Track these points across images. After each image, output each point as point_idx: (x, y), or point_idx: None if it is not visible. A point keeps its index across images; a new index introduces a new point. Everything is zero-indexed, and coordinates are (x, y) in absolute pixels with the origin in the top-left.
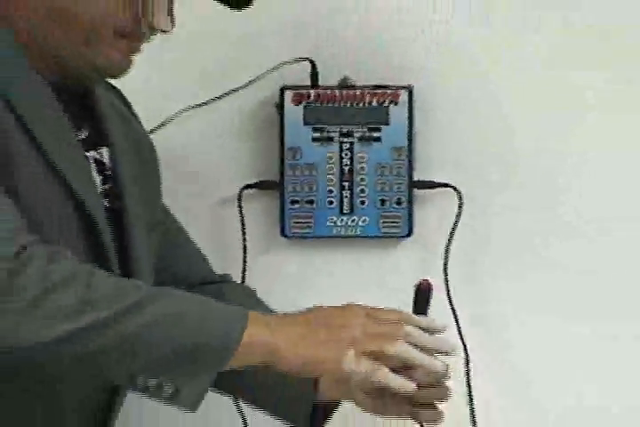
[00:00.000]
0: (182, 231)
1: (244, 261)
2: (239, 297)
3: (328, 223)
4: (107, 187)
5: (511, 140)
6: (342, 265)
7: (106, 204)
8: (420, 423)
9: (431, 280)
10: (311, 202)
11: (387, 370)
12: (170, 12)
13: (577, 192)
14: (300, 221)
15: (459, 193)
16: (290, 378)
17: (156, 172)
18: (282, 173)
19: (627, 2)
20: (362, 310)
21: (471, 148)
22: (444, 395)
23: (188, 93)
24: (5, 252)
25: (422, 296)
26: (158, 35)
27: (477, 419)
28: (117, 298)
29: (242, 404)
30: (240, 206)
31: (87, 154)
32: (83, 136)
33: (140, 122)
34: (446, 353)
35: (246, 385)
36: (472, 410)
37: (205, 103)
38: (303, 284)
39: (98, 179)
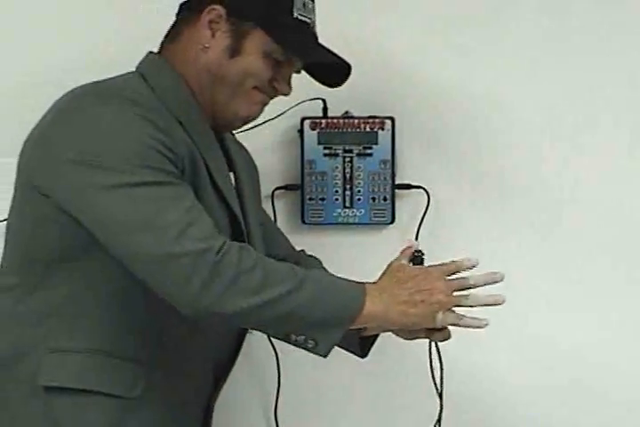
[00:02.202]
0: (271, 221)
1: None
2: (313, 265)
3: (334, 214)
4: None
5: (468, 156)
6: (344, 243)
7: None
8: (436, 342)
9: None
10: (323, 199)
11: (467, 318)
12: (289, 80)
13: (511, 197)
14: (315, 212)
15: (427, 193)
16: None
17: (258, 183)
18: (302, 179)
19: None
20: (437, 274)
21: (437, 160)
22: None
23: None
24: (216, 245)
25: (417, 262)
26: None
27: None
28: (285, 280)
29: (273, 340)
30: (273, 202)
31: None
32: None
33: (245, 149)
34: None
35: None
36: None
37: (250, 129)
38: (317, 256)
39: None
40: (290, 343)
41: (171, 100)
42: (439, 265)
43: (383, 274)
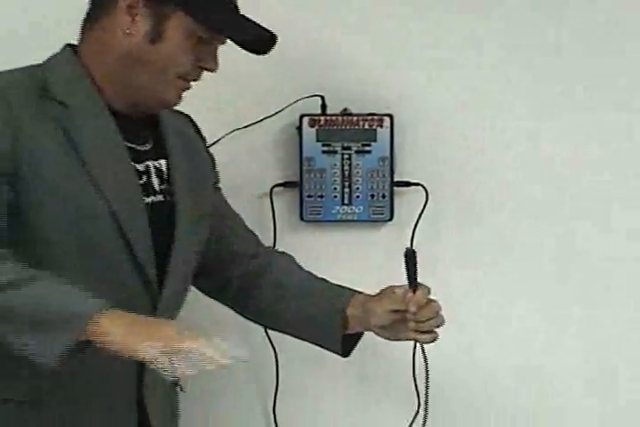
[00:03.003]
0: (237, 217)
1: (275, 238)
2: (285, 264)
3: (333, 211)
4: (163, 187)
5: (466, 153)
6: (343, 241)
7: (162, 199)
8: (421, 344)
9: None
10: (321, 196)
11: (166, 358)
12: (215, 57)
13: (503, 191)
14: (313, 209)
15: (426, 190)
16: (322, 317)
17: (208, 176)
18: (301, 176)
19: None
20: (171, 328)
21: (436, 157)
22: (441, 322)
23: (234, 119)
24: None
25: (410, 259)
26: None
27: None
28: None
29: (271, 334)
30: (272, 199)
31: (149, 163)
32: (146, 148)
33: (203, 139)
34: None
35: (288, 323)
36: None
37: (247, 126)
38: (316, 254)
39: (156, 181)
40: (13, 348)
41: (58, 84)
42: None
43: None
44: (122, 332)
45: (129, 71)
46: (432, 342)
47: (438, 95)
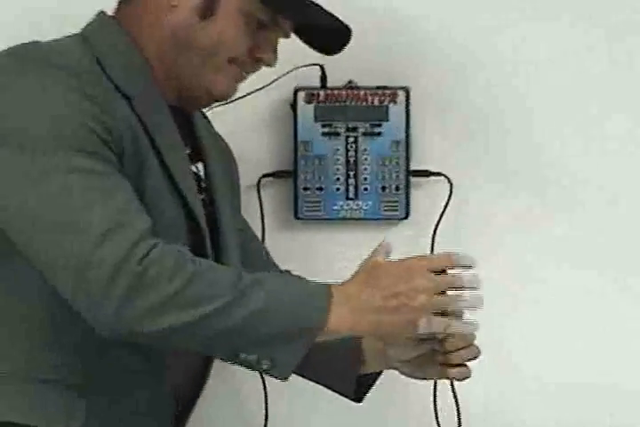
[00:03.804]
0: (254, 235)
1: (263, 240)
2: None
3: (335, 207)
4: (202, 196)
5: (498, 135)
6: (347, 244)
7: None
8: (451, 381)
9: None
10: (321, 189)
11: (456, 321)
12: (275, 48)
13: (549, 183)
14: (311, 205)
15: (450, 181)
16: (335, 355)
17: (237, 179)
18: (295, 164)
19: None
20: (420, 269)
21: (462, 141)
22: (476, 354)
23: None
24: (139, 253)
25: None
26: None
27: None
28: (225, 290)
29: None
30: (259, 193)
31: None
32: (187, 152)
33: (222, 138)
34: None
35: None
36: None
37: (229, 103)
38: (313, 259)
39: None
40: (240, 365)
41: (116, 69)
42: (424, 257)
43: (355, 273)
44: (373, 320)
45: (174, 54)
46: (463, 378)
47: (464, 64)
